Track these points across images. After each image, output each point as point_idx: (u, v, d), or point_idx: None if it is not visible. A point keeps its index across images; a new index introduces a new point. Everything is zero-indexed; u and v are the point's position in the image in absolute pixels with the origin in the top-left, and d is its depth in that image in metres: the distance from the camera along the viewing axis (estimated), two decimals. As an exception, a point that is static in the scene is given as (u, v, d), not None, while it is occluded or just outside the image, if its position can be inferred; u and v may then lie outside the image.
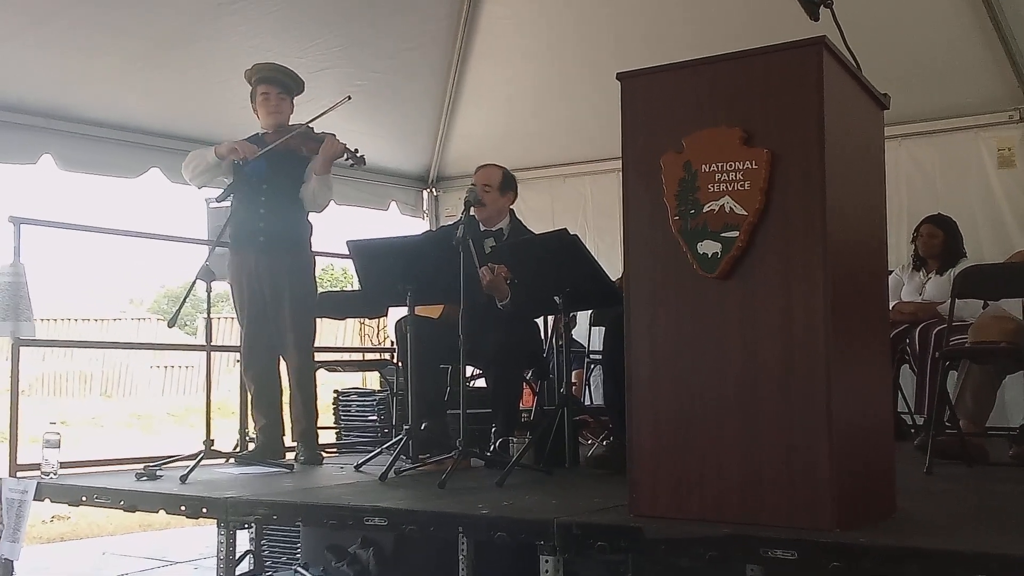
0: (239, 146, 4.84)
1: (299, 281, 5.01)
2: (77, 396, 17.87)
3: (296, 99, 5.16)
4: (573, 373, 5.41)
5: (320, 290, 5.63)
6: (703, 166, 2.81)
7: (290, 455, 5.03)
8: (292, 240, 5.03)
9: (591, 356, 6.55)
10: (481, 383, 5.55)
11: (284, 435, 5.06)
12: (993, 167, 6.34)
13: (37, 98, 5.63)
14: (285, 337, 4.98)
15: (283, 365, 5.08)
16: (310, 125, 4.98)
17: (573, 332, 5.89)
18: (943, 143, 6.50)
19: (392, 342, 5.97)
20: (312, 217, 5.14)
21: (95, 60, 5.71)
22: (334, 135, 5.01)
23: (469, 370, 5.28)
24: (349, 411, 6.40)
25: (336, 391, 6.53)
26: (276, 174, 4.94)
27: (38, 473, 4.35)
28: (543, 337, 5.03)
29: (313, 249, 5.19)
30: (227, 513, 3.63)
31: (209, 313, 4.94)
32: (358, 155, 4.97)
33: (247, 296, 4.99)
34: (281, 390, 5.07)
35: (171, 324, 4.74)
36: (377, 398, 6.30)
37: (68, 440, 4.68)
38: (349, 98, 4.93)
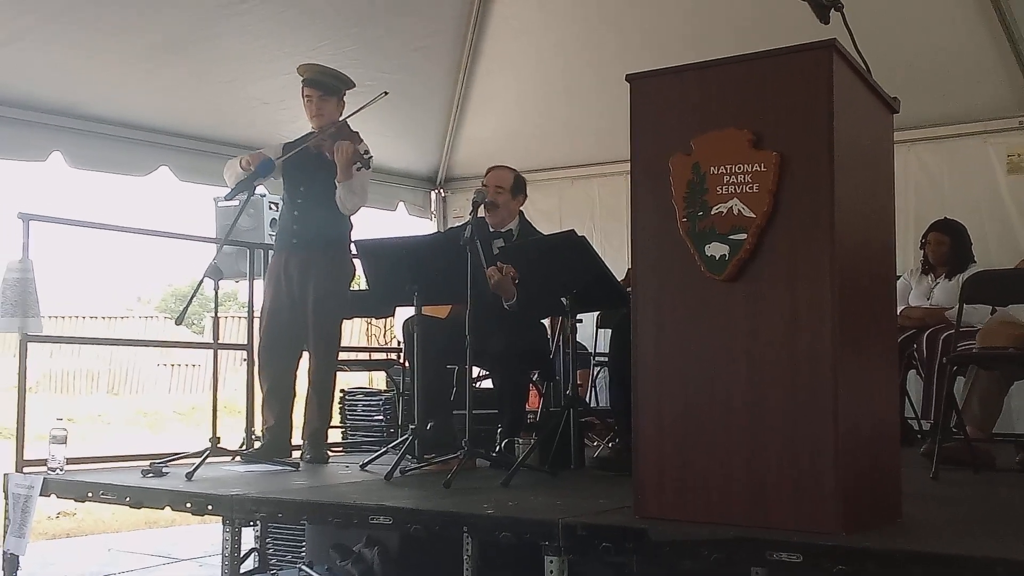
0: (250, 158, 4.85)
1: (326, 281, 4.96)
2: (84, 393, 17.88)
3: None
4: (578, 373, 5.40)
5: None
6: (712, 168, 2.81)
7: (295, 454, 5.03)
8: (324, 241, 4.98)
9: (597, 358, 6.55)
10: (487, 384, 5.55)
11: (291, 437, 5.06)
12: (1002, 173, 6.34)
13: (47, 96, 5.65)
14: (308, 336, 4.98)
15: (303, 366, 5.09)
16: (346, 122, 4.97)
17: (579, 334, 5.90)
18: (952, 148, 6.51)
19: (399, 342, 5.98)
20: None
21: (105, 58, 5.72)
22: (348, 135, 4.95)
23: (475, 371, 5.28)
24: (355, 410, 6.41)
25: (342, 390, 6.53)
26: (312, 175, 4.96)
27: (44, 469, 4.36)
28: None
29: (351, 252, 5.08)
30: (232, 511, 3.64)
31: (217, 311, 4.96)
32: (365, 156, 4.88)
33: (271, 294, 5.02)
34: (294, 392, 5.07)
35: (179, 322, 4.80)
36: (383, 398, 6.31)
37: (74, 437, 4.69)
38: (386, 93, 4.87)
